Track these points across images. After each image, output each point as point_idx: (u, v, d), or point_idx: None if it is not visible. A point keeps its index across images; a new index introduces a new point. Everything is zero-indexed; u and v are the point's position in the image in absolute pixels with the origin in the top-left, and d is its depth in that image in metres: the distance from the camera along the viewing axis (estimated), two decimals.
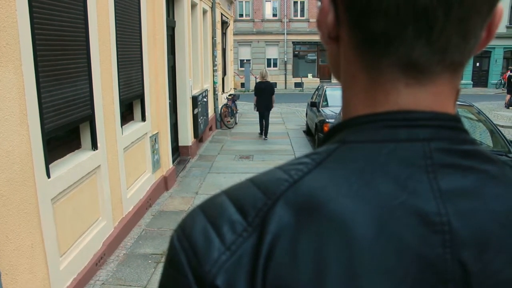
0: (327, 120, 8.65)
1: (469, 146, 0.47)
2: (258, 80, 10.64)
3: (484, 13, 0.44)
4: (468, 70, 28.39)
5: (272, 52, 29.16)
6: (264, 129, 10.53)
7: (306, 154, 0.48)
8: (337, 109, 8.72)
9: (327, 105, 9.98)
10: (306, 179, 0.44)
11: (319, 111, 9.73)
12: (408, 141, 0.45)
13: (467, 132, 0.48)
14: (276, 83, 28.33)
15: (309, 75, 28.79)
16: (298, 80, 28.46)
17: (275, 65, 29.16)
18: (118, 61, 4.49)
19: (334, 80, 27.35)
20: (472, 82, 28.54)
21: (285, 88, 28.69)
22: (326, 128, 8.48)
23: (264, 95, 10.23)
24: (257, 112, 10.61)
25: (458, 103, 5.64)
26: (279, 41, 28.74)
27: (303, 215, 0.42)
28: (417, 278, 0.41)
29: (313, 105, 10.44)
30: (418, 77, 0.46)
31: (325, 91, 10.69)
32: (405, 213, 0.42)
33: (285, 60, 28.85)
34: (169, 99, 6.97)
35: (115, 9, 4.41)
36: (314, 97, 11.68)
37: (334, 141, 0.49)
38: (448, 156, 0.45)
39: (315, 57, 29.75)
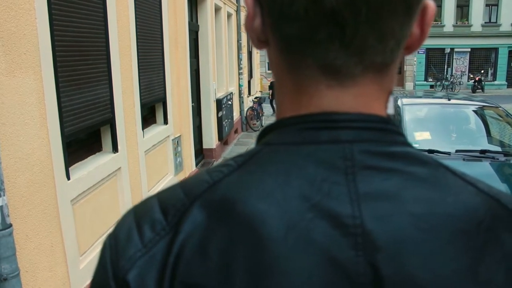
0: None
1: (397, 148, 0.46)
2: None
3: (400, 13, 0.44)
4: (502, 70, 27.58)
5: None
6: None
7: (233, 157, 0.49)
8: None
9: None
10: (225, 181, 0.46)
11: None
12: (329, 143, 0.45)
13: (398, 134, 0.48)
14: None
15: None
16: None
17: None
18: (139, 66, 4.60)
19: None
20: (506, 83, 27.68)
21: None
22: None
23: None
24: None
25: (484, 104, 5.49)
26: None
27: (216, 216, 0.43)
28: (327, 281, 0.41)
29: None
30: (339, 78, 0.45)
31: None
32: (317, 215, 0.42)
33: None
34: (193, 102, 7.08)
35: (136, 15, 4.52)
36: None
37: (261, 143, 0.49)
38: (371, 158, 0.45)
39: None
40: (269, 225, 0.42)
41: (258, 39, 0.50)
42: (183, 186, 0.48)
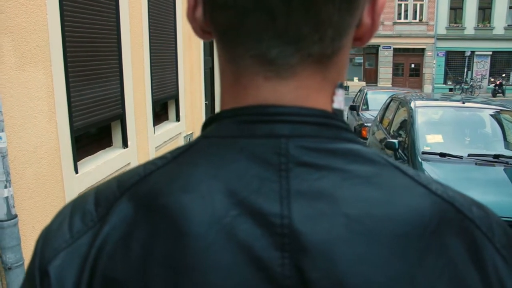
0: (365, 124, 8.53)
1: (339, 145, 0.44)
2: None
3: (337, 1, 0.41)
4: None
5: None
6: None
7: (171, 150, 0.48)
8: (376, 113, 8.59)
9: (367, 109, 9.82)
10: (156, 173, 0.44)
11: (358, 114, 9.61)
12: (265, 137, 0.42)
13: (343, 129, 0.45)
14: None
15: (355, 79, 28.38)
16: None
17: None
18: (151, 62, 4.64)
19: (380, 84, 26.92)
20: None
21: None
22: (364, 132, 8.38)
23: None
24: None
25: (501, 108, 5.39)
26: None
27: (141, 209, 0.42)
28: (247, 282, 0.39)
29: (352, 108, 10.32)
30: (276, 70, 0.43)
31: (366, 94, 10.54)
32: (242, 212, 0.40)
33: None
34: (207, 101, 7.11)
35: (149, 12, 4.56)
36: (356, 99, 11.53)
37: (200, 135, 0.47)
38: (308, 154, 0.42)
39: (362, 61, 29.35)
40: (190, 220, 0.40)
41: (201, 30, 0.48)
42: (119, 178, 0.47)
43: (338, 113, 0.46)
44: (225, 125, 0.45)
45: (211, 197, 0.41)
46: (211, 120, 0.47)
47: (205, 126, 0.48)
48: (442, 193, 0.45)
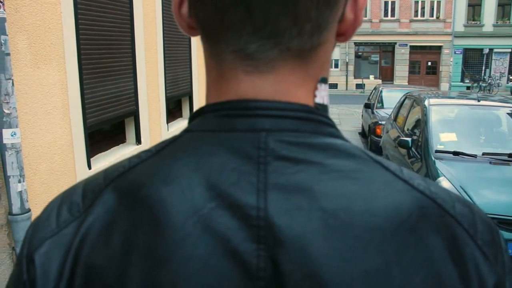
0: (380, 122, 8.47)
1: (319, 139, 0.44)
2: None
3: None
4: None
5: (334, 53, 28.59)
6: None
7: (157, 143, 0.48)
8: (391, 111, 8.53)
9: (382, 107, 9.74)
10: (140, 166, 0.45)
11: (373, 112, 9.55)
12: (244, 131, 0.43)
13: (324, 124, 0.46)
14: (337, 84, 28.08)
15: (371, 77, 28.20)
16: (359, 81, 27.99)
17: (336, 65, 28.80)
18: (165, 60, 4.68)
19: (396, 82, 26.68)
20: None
21: (346, 89, 28.30)
22: (378, 130, 8.33)
23: None
24: None
25: None
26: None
27: (124, 200, 0.43)
28: (223, 273, 0.39)
29: (367, 106, 10.27)
30: (255, 64, 0.43)
31: (381, 92, 10.46)
32: (220, 204, 0.41)
33: (347, 61, 28.45)
34: None
35: (163, 9, 4.60)
36: (371, 97, 11.46)
37: (184, 129, 0.48)
38: (287, 148, 0.42)
39: (378, 59, 29.13)
40: (169, 211, 0.41)
41: (188, 26, 0.48)
42: (106, 170, 0.48)
43: (320, 107, 0.46)
44: (208, 119, 0.46)
45: (190, 190, 0.41)
46: (196, 114, 0.48)
47: (190, 120, 0.49)
48: (424, 189, 0.45)
